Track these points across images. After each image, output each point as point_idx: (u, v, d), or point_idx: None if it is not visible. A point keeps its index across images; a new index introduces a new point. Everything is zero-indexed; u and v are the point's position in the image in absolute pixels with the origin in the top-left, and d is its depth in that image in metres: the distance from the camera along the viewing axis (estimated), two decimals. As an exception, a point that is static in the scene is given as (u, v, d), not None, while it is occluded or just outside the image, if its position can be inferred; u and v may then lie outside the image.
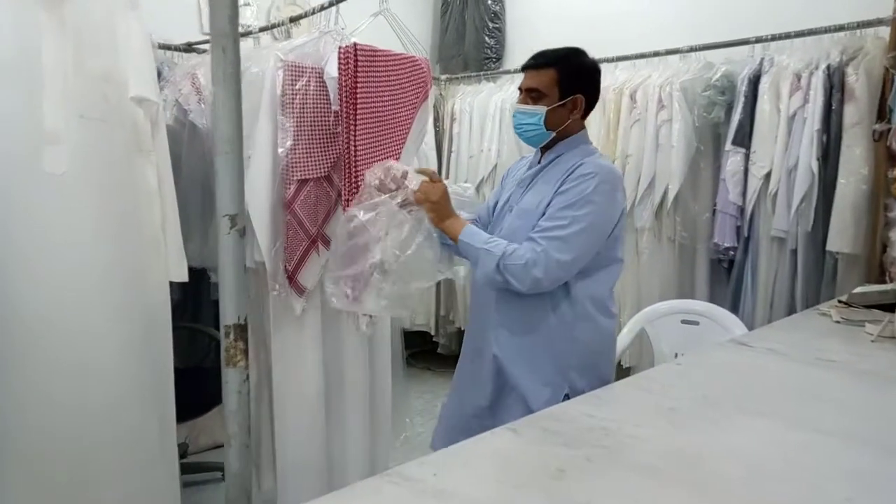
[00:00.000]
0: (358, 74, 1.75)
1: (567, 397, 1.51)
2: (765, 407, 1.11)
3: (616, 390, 1.25)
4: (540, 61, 1.57)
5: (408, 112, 1.96)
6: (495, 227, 1.66)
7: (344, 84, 1.75)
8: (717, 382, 1.26)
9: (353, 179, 1.80)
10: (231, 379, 0.70)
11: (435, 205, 1.56)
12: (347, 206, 1.81)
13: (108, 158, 1.48)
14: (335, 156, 1.93)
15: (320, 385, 1.97)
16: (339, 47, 1.76)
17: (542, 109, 1.55)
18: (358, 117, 1.77)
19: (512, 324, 1.58)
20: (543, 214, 1.51)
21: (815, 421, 1.05)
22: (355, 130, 1.77)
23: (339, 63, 1.74)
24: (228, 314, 0.69)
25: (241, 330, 0.70)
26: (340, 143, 1.83)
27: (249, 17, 3.29)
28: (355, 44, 1.74)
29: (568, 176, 1.51)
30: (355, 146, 1.78)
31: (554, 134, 1.57)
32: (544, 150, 1.62)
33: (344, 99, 1.77)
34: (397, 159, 1.94)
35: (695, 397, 1.15)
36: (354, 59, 1.73)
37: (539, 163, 1.63)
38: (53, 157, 1.36)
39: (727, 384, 1.25)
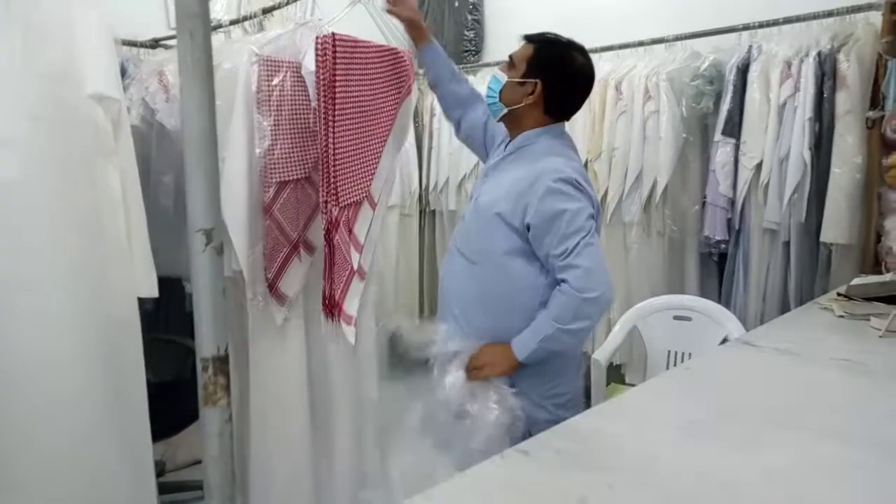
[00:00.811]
0: (337, 66, 1.64)
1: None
2: (789, 417, 1.04)
3: (626, 401, 1.17)
4: (530, 35, 1.55)
5: (390, 107, 1.86)
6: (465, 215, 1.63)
7: (321, 77, 1.65)
8: (732, 390, 1.19)
9: (332, 179, 1.69)
10: (210, 420, 0.60)
11: (493, 365, 1.48)
12: (325, 206, 1.71)
13: (64, 163, 1.35)
14: (316, 156, 1.83)
15: (304, 399, 1.87)
16: (317, 37, 1.65)
17: (503, 78, 1.52)
18: (336, 112, 1.66)
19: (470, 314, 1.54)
20: (496, 216, 1.46)
21: (845, 431, 0.98)
22: (333, 126, 1.67)
23: (317, 54, 1.63)
24: (206, 345, 0.59)
25: (222, 363, 0.60)
26: (319, 140, 1.73)
27: (219, 10, 3.14)
28: (333, 34, 1.63)
29: (531, 200, 1.42)
30: (334, 143, 1.67)
31: (505, 109, 1.52)
32: (511, 136, 1.57)
33: (322, 93, 1.66)
34: (378, 157, 1.83)
35: (712, 408, 1.08)
36: (333, 49, 1.63)
37: (505, 150, 1.58)
38: (1, 163, 1.23)
39: (743, 391, 1.18)
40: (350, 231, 1.76)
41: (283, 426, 1.88)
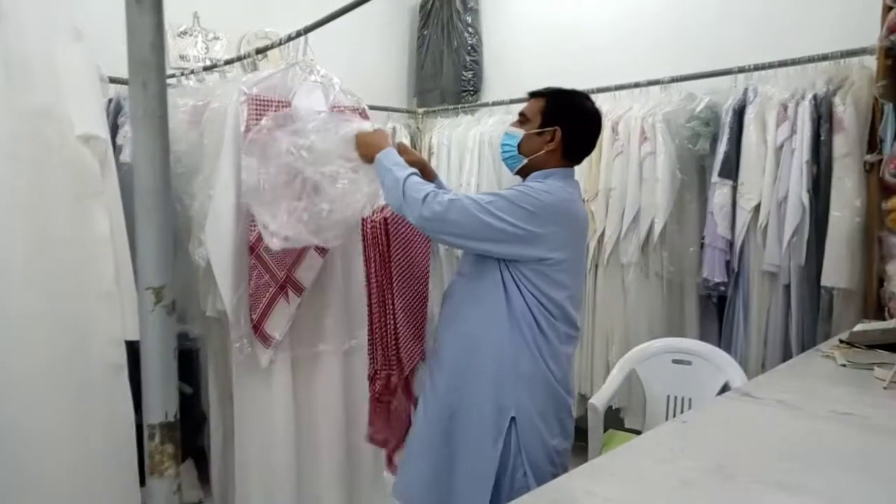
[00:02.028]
0: (391, 244, 1.70)
1: (514, 420, 1.52)
2: (789, 477, 0.98)
3: (618, 457, 1.11)
4: (537, 91, 1.62)
5: (427, 258, 1.84)
6: None
7: (374, 256, 1.71)
8: (729, 446, 1.13)
9: (395, 349, 1.71)
10: (157, 492, 0.56)
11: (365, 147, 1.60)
12: (380, 374, 1.72)
13: (47, 204, 1.32)
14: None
15: (290, 447, 1.80)
16: (367, 219, 1.71)
17: (520, 133, 1.59)
18: (395, 286, 1.70)
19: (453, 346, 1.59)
20: None
21: (849, 495, 0.93)
22: (392, 299, 1.70)
23: (367, 237, 1.71)
24: (153, 410, 0.55)
25: (170, 429, 0.56)
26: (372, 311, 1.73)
27: (219, 50, 3.18)
28: (385, 219, 1.68)
29: None
30: (394, 314, 1.70)
31: (525, 160, 1.59)
32: (523, 178, 1.63)
33: (375, 269, 1.71)
34: (426, 309, 1.82)
35: (708, 467, 1.02)
36: (384, 231, 1.69)
37: None
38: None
39: (741, 448, 1.12)
40: (408, 390, 1.75)
41: (268, 476, 1.81)
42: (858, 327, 1.84)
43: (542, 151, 1.57)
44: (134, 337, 1.60)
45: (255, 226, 1.71)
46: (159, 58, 0.52)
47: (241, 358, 1.77)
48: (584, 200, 2.80)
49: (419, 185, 1.48)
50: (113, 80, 1.85)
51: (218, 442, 2.00)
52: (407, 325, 1.71)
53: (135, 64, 0.52)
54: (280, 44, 1.85)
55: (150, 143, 0.52)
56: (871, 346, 1.73)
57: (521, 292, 1.50)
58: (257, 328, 1.76)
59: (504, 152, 1.63)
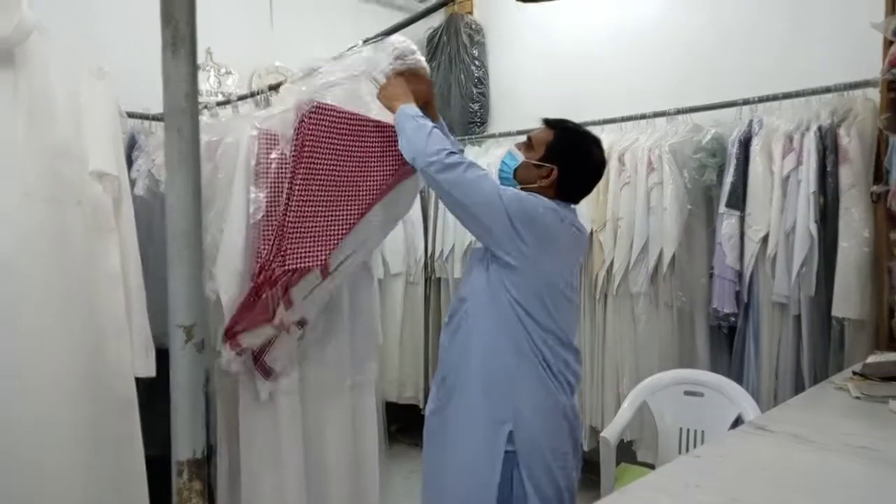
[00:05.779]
0: (311, 132, 1.62)
1: (511, 434, 1.49)
2: (805, 515, 0.98)
3: (631, 493, 1.10)
4: (549, 120, 1.61)
5: (379, 181, 1.77)
6: None
7: (295, 142, 1.65)
8: (744, 480, 1.12)
9: (281, 241, 1.63)
10: (183, 530, 0.56)
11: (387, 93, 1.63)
12: (269, 266, 1.64)
13: (60, 240, 1.35)
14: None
15: (299, 479, 1.79)
16: (299, 102, 1.65)
17: (520, 158, 1.58)
18: (301, 176, 1.62)
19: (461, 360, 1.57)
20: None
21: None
22: (293, 190, 1.62)
23: (296, 120, 1.65)
24: (181, 447, 0.56)
25: (198, 466, 0.57)
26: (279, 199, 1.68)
27: (231, 85, 3.25)
28: (316, 103, 1.64)
29: None
30: (288, 206, 1.62)
31: (518, 187, 1.58)
32: None
33: (292, 156, 1.65)
34: (349, 228, 1.74)
35: (723, 501, 1.02)
36: (308, 115, 1.64)
37: None
38: (-3, 241, 1.23)
39: (756, 482, 1.11)
40: (285, 290, 1.70)
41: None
42: (871, 359, 1.82)
43: (535, 185, 1.56)
44: (142, 374, 1.61)
45: (258, 259, 1.72)
46: (193, 105, 0.54)
47: (249, 389, 1.77)
48: (591, 231, 2.83)
49: (446, 140, 1.48)
50: (130, 115, 1.88)
51: (224, 476, 1.98)
52: (300, 226, 1.64)
53: (170, 111, 0.54)
54: (295, 80, 1.89)
55: (184, 187, 0.54)
56: (885, 378, 1.72)
57: (519, 318, 1.49)
58: (257, 360, 1.76)
59: (501, 171, 1.62)
